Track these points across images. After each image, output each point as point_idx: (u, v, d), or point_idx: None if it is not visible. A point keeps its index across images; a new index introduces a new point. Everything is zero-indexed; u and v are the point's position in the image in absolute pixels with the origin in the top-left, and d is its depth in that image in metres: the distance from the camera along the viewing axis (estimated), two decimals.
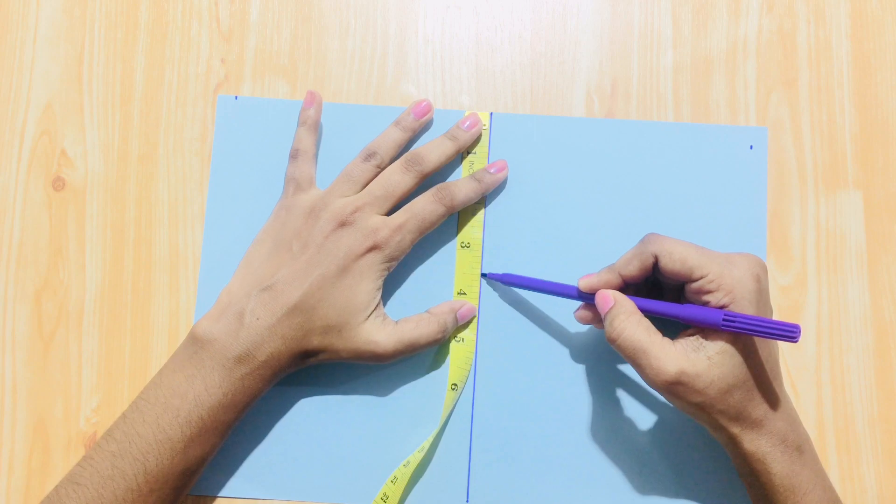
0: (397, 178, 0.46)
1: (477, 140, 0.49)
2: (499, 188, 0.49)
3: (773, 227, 0.49)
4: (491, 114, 0.50)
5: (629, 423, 0.47)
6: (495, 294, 0.48)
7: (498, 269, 0.48)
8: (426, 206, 0.45)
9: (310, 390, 0.47)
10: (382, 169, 0.46)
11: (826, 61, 0.51)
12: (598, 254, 0.48)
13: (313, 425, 0.47)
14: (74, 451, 0.47)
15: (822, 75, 0.51)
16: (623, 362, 0.47)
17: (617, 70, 0.51)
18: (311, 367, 0.46)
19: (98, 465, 0.40)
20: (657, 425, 0.47)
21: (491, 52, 0.51)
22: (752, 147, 0.49)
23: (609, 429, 0.47)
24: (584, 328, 0.48)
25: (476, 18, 0.52)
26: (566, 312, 0.48)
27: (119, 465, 0.40)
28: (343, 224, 0.44)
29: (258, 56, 0.51)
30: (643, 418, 0.47)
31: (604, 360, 0.47)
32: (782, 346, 0.48)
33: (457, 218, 0.49)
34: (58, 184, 0.50)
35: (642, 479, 0.46)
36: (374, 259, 0.44)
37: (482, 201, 0.49)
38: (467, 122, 0.48)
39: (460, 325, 0.47)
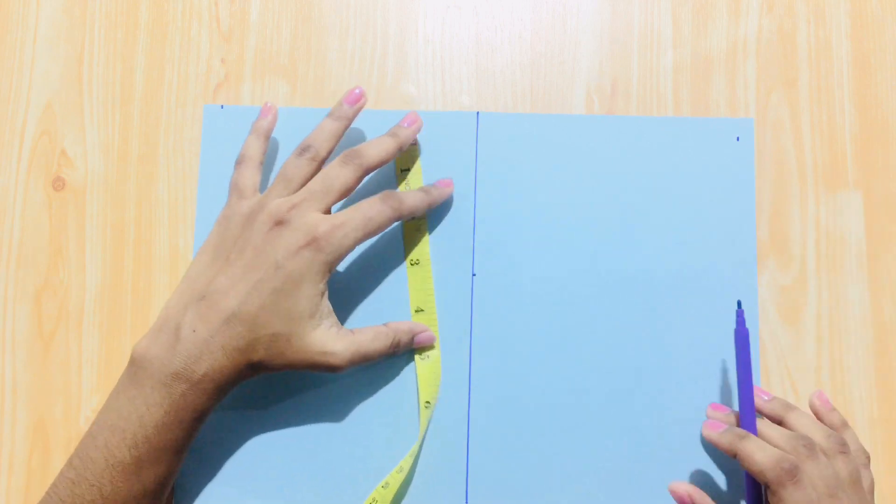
0: (336, 171, 0.44)
1: (413, 157, 0.48)
2: (488, 188, 0.49)
3: (773, 227, 0.49)
4: (477, 113, 0.50)
5: (626, 423, 0.47)
6: (489, 294, 0.48)
7: (489, 269, 0.48)
8: (373, 207, 0.43)
9: (286, 411, 0.47)
10: (319, 162, 0.45)
11: (826, 61, 0.51)
12: (588, 250, 0.48)
13: (292, 451, 0.47)
14: None
15: (822, 75, 0.51)
16: (624, 359, 0.47)
17: (617, 70, 0.51)
18: (285, 386, 0.45)
19: (60, 492, 0.40)
20: (655, 426, 0.47)
21: (491, 52, 0.51)
22: (738, 139, 0.49)
23: (606, 428, 0.47)
24: (583, 324, 0.47)
25: (476, 18, 0.52)
26: (561, 311, 0.48)
27: (77, 491, 0.40)
28: (279, 223, 0.42)
29: (258, 56, 0.51)
30: (641, 418, 0.47)
31: (600, 360, 0.47)
32: (784, 346, 0.48)
33: (402, 237, 0.48)
34: (58, 184, 0.50)
35: (641, 479, 0.46)
36: (313, 257, 0.41)
37: (425, 224, 0.48)
38: (407, 121, 0.48)
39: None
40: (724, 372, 0.47)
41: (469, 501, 0.46)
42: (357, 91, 0.47)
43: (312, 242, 0.42)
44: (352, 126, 0.47)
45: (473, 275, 0.48)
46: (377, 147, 0.45)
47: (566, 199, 0.49)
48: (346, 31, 0.52)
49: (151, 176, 0.50)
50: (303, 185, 0.44)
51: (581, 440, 0.47)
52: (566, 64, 0.51)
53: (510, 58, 0.51)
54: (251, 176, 0.46)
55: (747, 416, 0.43)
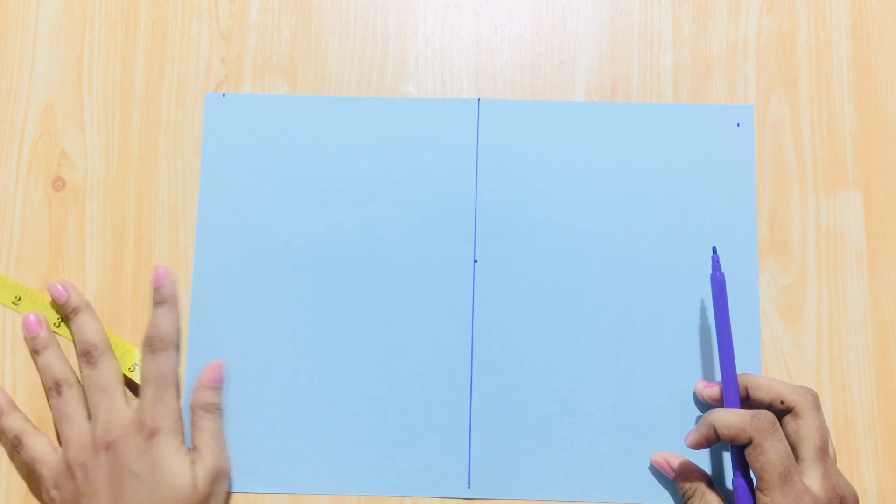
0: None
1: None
2: (489, 175, 0.49)
3: (773, 226, 0.49)
4: (479, 100, 0.50)
5: (632, 405, 0.47)
6: (491, 280, 0.48)
7: (491, 255, 0.48)
8: (152, 365, 0.45)
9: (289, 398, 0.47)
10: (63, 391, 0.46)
11: (826, 61, 0.51)
12: (589, 236, 0.48)
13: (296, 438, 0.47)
14: None
15: (822, 75, 0.51)
16: (624, 345, 0.47)
17: (617, 70, 0.51)
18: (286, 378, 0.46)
19: None
20: (658, 412, 0.47)
21: (491, 52, 0.51)
22: (738, 125, 0.49)
23: (611, 411, 0.47)
24: (583, 310, 0.48)
25: (476, 18, 0.52)
26: (563, 297, 0.48)
27: None
28: (108, 447, 0.44)
29: (258, 56, 0.51)
30: (647, 400, 0.47)
31: (602, 346, 0.47)
32: (784, 346, 0.48)
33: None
34: (58, 184, 0.50)
35: (645, 463, 0.46)
36: (163, 442, 0.44)
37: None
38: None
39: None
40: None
41: (472, 488, 0.46)
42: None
43: (152, 434, 0.44)
44: (353, 116, 0.47)
45: (475, 261, 0.48)
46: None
47: (567, 186, 0.49)
48: (346, 31, 0.52)
49: (151, 176, 0.50)
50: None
51: (584, 426, 0.47)
52: (566, 64, 0.51)
53: (510, 58, 0.51)
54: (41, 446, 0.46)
55: (727, 367, 0.44)
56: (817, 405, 0.42)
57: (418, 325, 0.48)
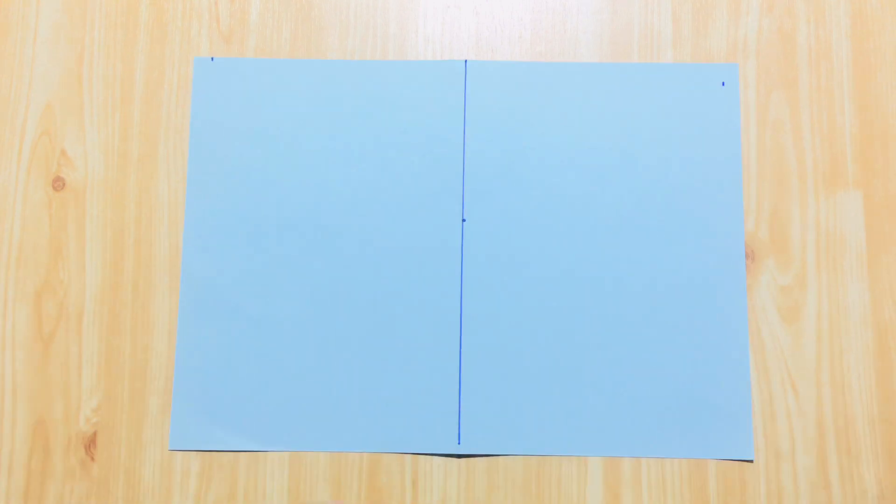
0: None
1: None
2: (477, 135, 0.49)
3: (773, 227, 0.49)
4: (465, 62, 0.50)
5: (621, 360, 0.47)
6: (479, 239, 0.48)
7: (479, 215, 0.49)
8: None
9: (289, 357, 0.48)
10: None
11: (826, 61, 0.51)
12: (577, 194, 0.49)
13: (293, 397, 0.48)
14: (74, 451, 0.47)
15: (822, 75, 0.51)
16: (613, 302, 0.47)
17: None
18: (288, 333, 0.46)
19: None
20: (651, 360, 0.47)
21: (491, 52, 0.51)
22: (724, 84, 0.50)
23: (601, 366, 0.47)
24: (572, 267, 0.48)
25: (476, 18, 0.52)
26: (551, 255, 0.48)
27: None
28: None
29: (258, 56, 0.51)
30: (636, 354, 0.47)
31: (591, 303, 0.48)
32: (784, 346, 0.48)
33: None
34: (58, 184, 0.50)
35: (635, 414, 0.47)
36: None
37: None
38: None
39: None
40: (711, 302, 0.48)
41: (462, 443, 0.47)
42: None
43: None
44: (337, 87, 0.48)
45: (463, 220, 0.49)
46: None
47: (555, 145, 0.50)
48: (346, 31, 0.52)
49: (151, 176, 0.50)
50: None
51: (573, 382, 0.47)
52: None
53: (510, 58, 0.51)
54: None
55: None
56: None
57: (408, 284, 0.48)
